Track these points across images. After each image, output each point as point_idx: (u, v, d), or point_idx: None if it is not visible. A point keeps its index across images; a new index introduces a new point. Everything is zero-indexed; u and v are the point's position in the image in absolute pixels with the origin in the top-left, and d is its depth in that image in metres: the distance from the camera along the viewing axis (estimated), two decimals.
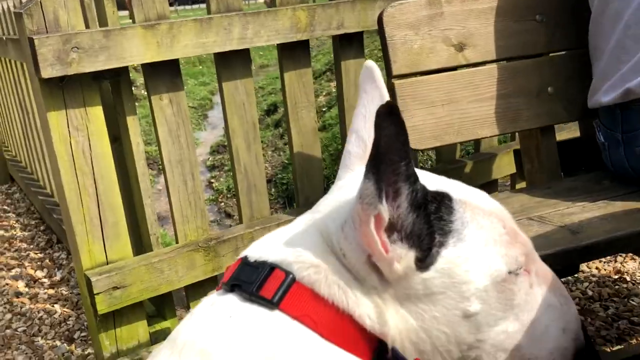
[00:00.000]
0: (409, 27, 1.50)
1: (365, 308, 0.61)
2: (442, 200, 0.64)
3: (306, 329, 0.59)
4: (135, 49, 1.45)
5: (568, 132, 2.18)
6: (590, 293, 2.03)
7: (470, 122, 1.55)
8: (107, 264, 1.55)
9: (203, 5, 44.57)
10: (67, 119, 1.44)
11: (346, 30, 1.77)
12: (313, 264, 0.62)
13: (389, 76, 1.51)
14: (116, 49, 1.43)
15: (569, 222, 1.28)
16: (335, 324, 0.60)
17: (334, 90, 6.54)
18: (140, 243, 1.73)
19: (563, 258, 1.16)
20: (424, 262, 0.62)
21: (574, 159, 1.78)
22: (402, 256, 0.60)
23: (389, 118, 0.54)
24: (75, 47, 1.37)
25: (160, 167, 1.65)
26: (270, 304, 0.60)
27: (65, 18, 1.41)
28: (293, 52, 1.75)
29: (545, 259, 1.16)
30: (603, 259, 2.22)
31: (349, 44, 1.85)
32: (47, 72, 1.36)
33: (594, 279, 2.12)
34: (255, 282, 0.61)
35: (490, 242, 0.66)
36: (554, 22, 1.60)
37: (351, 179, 0.74)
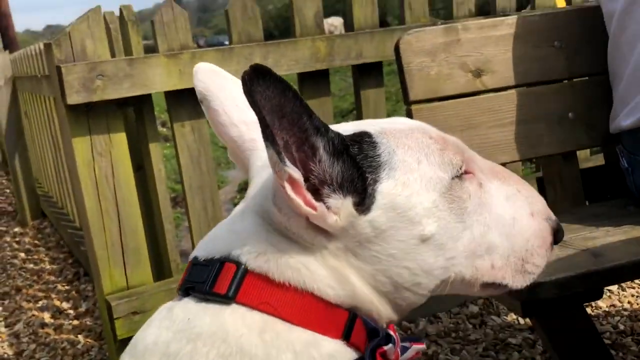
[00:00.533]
0: (425, 54, 1.52)
1: (323, 279, 0.60)
2: (362, 139, 0.63)
3: (267, 316, 0.58)
4: (158, 77, 1.50)
5: (594, 162, 2.14)
6: (622, 327, 1.95)
7: (490, 147, 1.54)
8: (128, 288, 1.56)
9: None
10: (92, 145, 1.48)
11: (365, 60, 1.80)
12: (259, 249, 0.61)
13: (406, 102, 1.52)
14: (140, 77, 1.47)
15: (592, 245, 1.25)
16: (297, 305, 0.59)
17: None
18: (161, 268, 1.74)
19: (585, 281, 1.13)
20: (363, 204, 0.60)
21: (599, 186, 1.74)
22: (339, 206, 0.59)
23: (262, 78, 0.53)
24: (100, 75, 1.42)
25: (178, 170, 1.66)
26: (226, 298, 0.59)
27: (92, 48, 1.46)
28: (313, 81, 1.78)
29: (567, 282, 1.14)
30: (635, 293, 2.15)
31: (368, 74, 1.87)
32: (72, 99, 1.40)
33: (625, 312, 2.04)
34: (207, 281, 0.60)
35: (423, 157, 0.64)
36: (573, 48, 1.60)
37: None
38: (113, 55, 1.59)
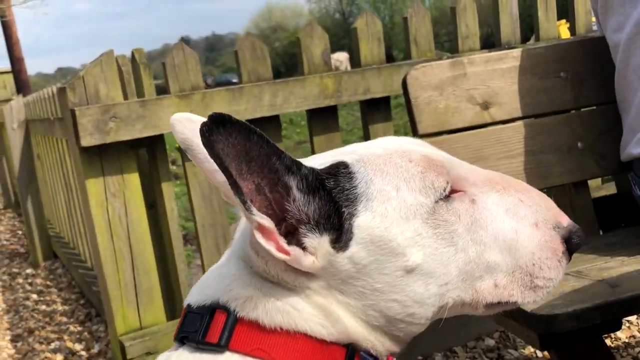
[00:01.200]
0: (433, 89, 1.54)
1: (313, 318, 0.59)
2: (338, 171, 0.60)
3: None
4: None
5: (606, 190, 2.13)
6: None
7: None
8: (141, 329, 1.56)
9: None
10: (105, 186, 1.50)
11: (373, 95, 1.82)
12: (246, 293, 0.60)
13: (414, 136, 1.53)
14: (152, 117, 1.50)
15: (607, 276, 1.23)
16: (290, 347, 0.58)
17: None
18: (174, 308, 1.74)
19: (603, 312, 1.12)
20: (340, 241, 0.58)
21: (613, 215, 1.73)
22: (316, 246, 0.58)
23: (222, 126, 0.52)
24: (113, 117, 1.45)
25: (190, 210, 1.67)
26: (219, 347, 0.58)
27: (105, 91, 1.49)
28: (322, 117, 1.80)
29: (585, 313, 1.12)
30: None
31: (376, 108, 1.89)
32: (86, 141, 1.43)
33: None
34: (199, 330, 0.60)
35: (402, 183, 0.61)
36: (579, 78, 1.61)
37: None
38: (125, 97, 1.62)
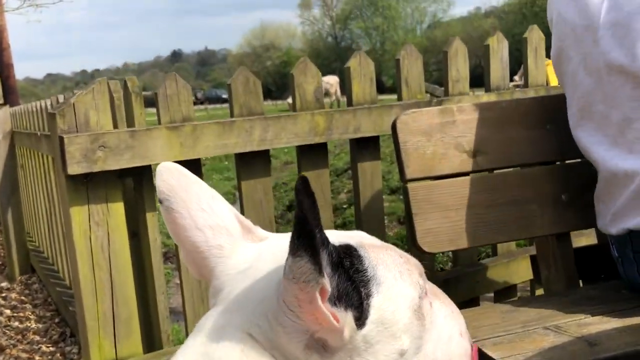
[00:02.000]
0: (421, 134, 1.55)
1: None
2: (350, 252, 0.63)
3: None
4: (159, 149, 1.52)
5: (587, 237, 2.15)
6: None
7: (485, 227, 1.56)
8: None
9: None
10: (89, 214, 1.49)
11: (363, 134, 1.84)
12: None
13: (402, 180, 1.55)
14: (141, 148, 1.49)
15: (587, 332, 1.24)
16: None
17: None
18: (152, 339, 1.72)
19: None
20: (360, 318, 0.60)
21: (593, 266, 1.75)
22: (345, 320, 0.58)
23: (305, 191, 0.52)
24: (102, 146, 1.44)
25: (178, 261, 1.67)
26: None
27: (95, 119, 1.49)
28: (311, 154, 1.81)
29: None
30: None
31: (365, 147, 1.90)
32: (73, 169, 1.42)
33: None
34: None
35: (398, 274, 0.66)
36: (564, 133, 1.64)
37: (248, 262, 0.68)
38: (115, 124, 1.62)
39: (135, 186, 1.66)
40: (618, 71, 1.32)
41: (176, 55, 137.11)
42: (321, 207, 1.85)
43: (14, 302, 3.59)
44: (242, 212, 1.76)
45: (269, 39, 59.14)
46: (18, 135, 3.79)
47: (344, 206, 6.22)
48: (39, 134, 2.84)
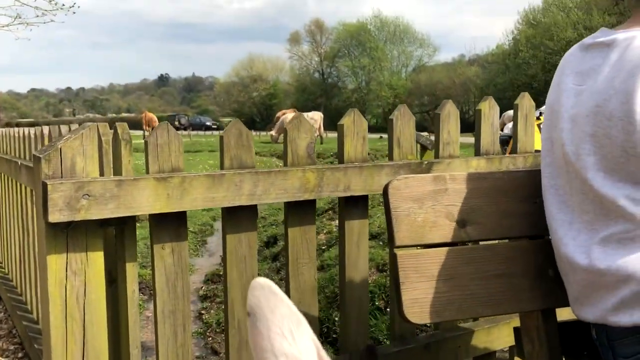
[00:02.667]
0: (413, 200, 1.54)
1: None
2: None
3: None
4: (145, 200, 1.48)
5: (569, 311, 2.14)
6: None
7: (471, 299, 1.54)
8: None
9: (216, 132, 46.42)
10: (67, 263, 1.43)
11: (352, 193, 1.82)
12: None
13: (391, 246, 1.53)
14: (126, 198, 1.45)
15: None
16: None
17: (334, 229, 6.60)
18: None
19: None
20: None
21: (576, 342, 1.73)
22: None
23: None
24: (86, 194, 1.40)
25: (152, 293, 1.61)
26: None
27: (81, 165, 1.45)
28: (299, 210, 1.78)
29: None
30: None
31: (354, 205, 1.89)
32: (54, 217, 1.37)
33: None
34: None
35: None
36: None
37: None
38: (101, 169, 1.58)
39: (117, 235, 1.62)
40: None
41: (163, 80, 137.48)
42: (306, 264, 1.82)
43: None
44: (225, 268, 1.72)
45: (257, 70, 59.60)
46: None
47: (323, 247, 6.17)
48: (19, 163, 2.77)
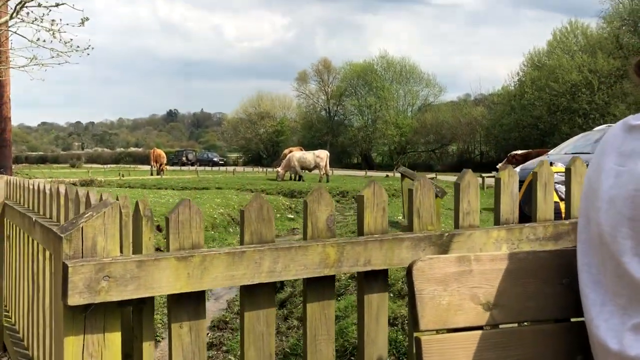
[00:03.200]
0: (437, 282, 1.51)
1: None
2: None
3: None
4: (166, 280, 1.46)
5: None
6: None
7: None
8: None
9: (223, 168, 46.56)
10: (84, 345, 1.40)
11: (373, 267, 1.79)
12: None
13: (415, 330, 1.49)
14: (147, 278, 1.43)
15: None
16: None
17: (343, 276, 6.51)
18: None
19: None
20: None
21: None
22: None
23: None
24: (107, 276, 1.38)
25: None
26: None
27: (102, 244, 1.43)
28: (319, 285, 1.75)
29: None
30: None
31: (374, 279, 1.86)
32: (74, 300, 1.35)
33: None
34: None
35: None
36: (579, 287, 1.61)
37: None
38: (120, 244, 1.56)
39: (135, 313, 1.59)
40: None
41: (172, 115, 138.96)
42: (324, 340, 1.78)
43: None
44: (242, 345, 1.68)
45: (265, 107, 60.21)
46: (10, 209, 3.70)
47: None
48: (34, 218, 2.76)
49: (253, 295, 1.65)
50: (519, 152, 23.61)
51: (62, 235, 1.40)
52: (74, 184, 25.68)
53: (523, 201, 4.13)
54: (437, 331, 1.50)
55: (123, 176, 31.17)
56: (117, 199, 1.73)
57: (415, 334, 1.50)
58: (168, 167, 39.86)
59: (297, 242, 1.71)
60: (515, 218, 2.19)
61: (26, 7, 9.06)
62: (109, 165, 61.22)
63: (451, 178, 25.77)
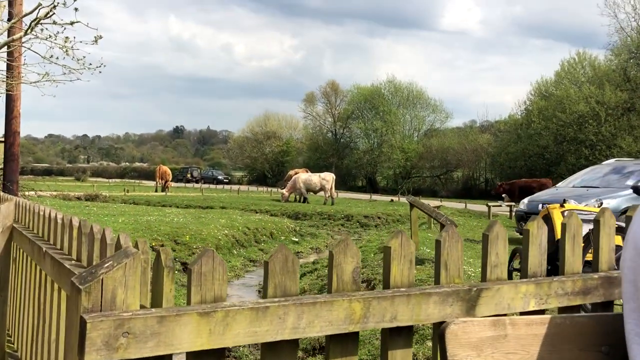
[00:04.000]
0: (471, 348, 1.44)
1: None
2: None
3: None
4: (187, 336, 1.39)
5: None
6: None
7: None
8: None
9: (227, 186, 46.49)
10: None
11: (399, 323, 1.72)
12: None
13: None
14: (167, 335, 1.36)
15: None
16: None
17: None
18: None
19: None
20: None
21: None
22: None
23: None
24: (126, 332, 1.31)
25: None
26: None
27: (122, 297, 1.37)
28: (342, 341, 1.68)
29: None
30: None
31: (398, 334, 1.78)
32: (91, 358, 1.28)
33: None
34: None
35: None
36: (621, 355, 1.53)
37: None
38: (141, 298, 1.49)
39: None
40: None
41: (178, 131, 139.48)
42: None
43: None
44: None
45: (271, 127, 60.40)
46: (18, 234, 3.64)
47: None
48: (43, 249, 2.70)
49: (275, 352, 1.58)
50: (505, 183, 24.34)
51: (81, 287, 1.34)
52: (79, 198, 25.62)
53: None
54: None
55: (128, 192, 31.17)
56: (137, 245, 1.67)
57: None
58: (172, 184, 39.85)
59: (322, 296, 1.64)
60: (543, 271, 2.12)
61: (41, 24, 9.10)
62: (113, 180, 61.36)
63: (457, 205, 25.62)
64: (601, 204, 8.43)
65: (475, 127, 52.31)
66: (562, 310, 2.10)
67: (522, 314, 2.00)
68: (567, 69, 39.95)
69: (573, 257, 2.19)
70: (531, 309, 1.98)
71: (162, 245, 10.81)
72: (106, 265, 1.39)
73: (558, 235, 5.17)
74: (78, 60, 10.21)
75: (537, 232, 2.10)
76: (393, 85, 53.07)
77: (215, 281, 1.50)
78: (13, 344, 3.89)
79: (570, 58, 39.96)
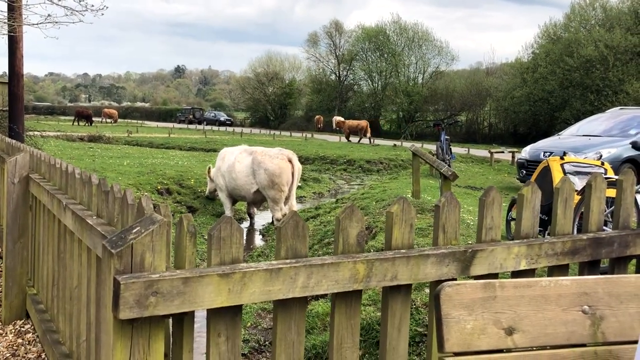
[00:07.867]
0: (463, 308, 1.59)
1: None
2: None
3: None
4: (208, 295, 1.54)
5: None
6: None
7: None
8: None
9: (230, 129, 46.37)
10: (130, 354, 1.50)
11: (399, 282, 1.87)
12: None
13: (440, 351, 1.58)
14: (191, 294, 1.52)
15: None
16: None
17: None
18: None
19: None
20: None
21: None
22: None
23: None
24: (155, 292, 1.47)
25: None
26: None
27: (150, 260, 1.51)
28: (346, 299, 1.84)
29: None
30: None
31: (398, 290, 1.94)
32: (125, 314, 1.43)
33: None
34: None
35: None
36: (600, 315, 1.69)
37: None
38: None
39: (175, 323, 1.68)
40: None
41: (179, 71, 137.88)
42: (349, 348, 1.87)
43: (6, 354, 3.53)
44: (274, 351, 1.78)
45: (274, 68, 59.67)
46: (35, 184, 3.78)
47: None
48: (64, 202, 2.85)
49: (286, 308, 1.74)
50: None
51: (113, 251, 1.48)
52: (82, 139, 25.59)
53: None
54: (460, 353, 1.59)
55: (131, 133, 31.21)
56: (159, 207, 1.80)
57: (439, 355, 1.59)
58: (175, 125, 39.72)
59: (329, 257, 1.79)
60: (535, 233, 2.26)
61: None
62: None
63: (460, 150, 25.63)
64: (600, 156, 8.53)
65: (481, 69, 51.62)
66: (551, 269, 2.26)
67: (513, 273, 2.16)
68: (578, 11, 39.08)
69: (564, 220, 2.33)
70: (522, 268, 2.13)
71: (168, 189, 11.01)
72: (134, 230, 1.53)
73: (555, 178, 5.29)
74: (80, 1, 10.08)
75: (531, 196, 2.24)
76: (398, 25, 52.04)
77: (232, 245, 1.65)
78: (33, 287, 4.10)
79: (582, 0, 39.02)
